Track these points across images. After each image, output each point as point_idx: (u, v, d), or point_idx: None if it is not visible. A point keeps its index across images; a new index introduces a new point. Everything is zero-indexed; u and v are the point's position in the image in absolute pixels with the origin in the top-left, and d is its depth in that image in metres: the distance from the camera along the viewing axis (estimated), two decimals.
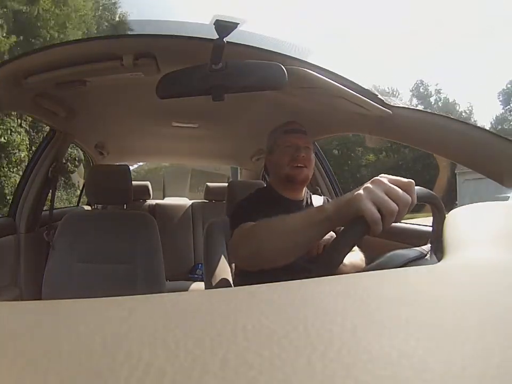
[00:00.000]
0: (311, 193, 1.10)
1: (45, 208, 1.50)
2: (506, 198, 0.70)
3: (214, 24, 0.67)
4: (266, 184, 1.11)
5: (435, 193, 0.56)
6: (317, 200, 1.05)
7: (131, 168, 1.49)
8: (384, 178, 0.50)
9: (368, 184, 0.50)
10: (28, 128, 6.72)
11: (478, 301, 0.18)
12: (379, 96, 0.87)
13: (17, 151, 6.32)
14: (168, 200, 2.72)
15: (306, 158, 0.96)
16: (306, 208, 1.01)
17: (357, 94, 0.85)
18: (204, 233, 1.27)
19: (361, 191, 0.49)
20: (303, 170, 0.96)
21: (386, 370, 0.12)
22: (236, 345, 0.13)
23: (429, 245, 0.55)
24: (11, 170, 6.27)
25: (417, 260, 0.52)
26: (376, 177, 0.51)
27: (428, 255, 0.53)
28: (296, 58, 0.85)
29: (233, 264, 1.07)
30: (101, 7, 9.88)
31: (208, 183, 2.37)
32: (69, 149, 2.81)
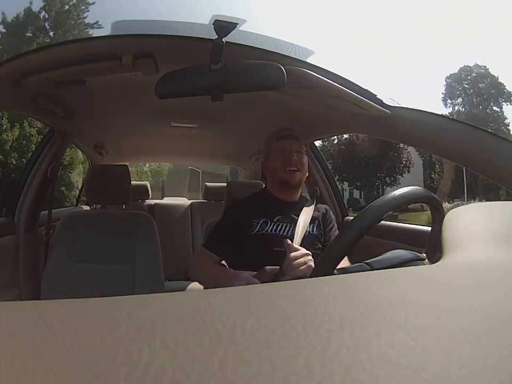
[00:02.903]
0: (309, 196, 1.13)
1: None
2: None
3: (213, 24, 0.67)
4: (264, 187, 1.14)
5: (433, 193, 0.56)
6: (310, 203, 1.07)
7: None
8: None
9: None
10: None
11: (476, 300, 0.18)
12: (377, 96, 0.87)
13: None
14: (167, 200, 2.72)
15: (299, 161, 1.03)
16: (301, 209, 1.02)
17: (356, 94, 0.85)
18: (203, 232, 1.27)
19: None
20: (297, 174, 1.02)
21: (384, 369, 0.12)
22: (235, 344, 0.14)
23: (425, 254, 0.55)
24: None
25: (414, 261, 0.52)
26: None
27: (426, 260, 0.54)
28: (295, 58, 0.85)
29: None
30: None
31: (207, 183, 2.37)
32: None
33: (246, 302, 0.18)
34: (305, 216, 1.00)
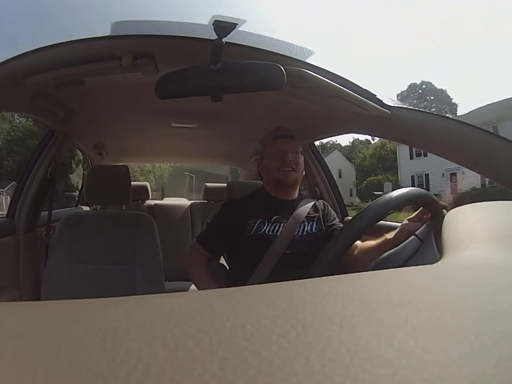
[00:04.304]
0: (308, 196, 1.12)
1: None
2: None
3: (213, 24, 0.67)
4: (261, 187, 1.13)
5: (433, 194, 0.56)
6: (307, 202, 1.06)
7: None
8: None
9: None
10: None
11: (476, 300, 0.18)
12: (377, 96, 0.87)
13: None
14: (167, 201, 2.72)
15: (294, 161, 1.01)
16: (298, 207, 1.02)
17: (356, 94, 0.85)
18: None
19: None
20: (292, 174, 1.01)
21: (384, 369, 0.12)
22: (235, 344, 0.14)
23: (413, 236, 0.55)
24: None
25: (414, 255, 0.52)
26: None
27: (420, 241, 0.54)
28: (295, 58, 0.85)
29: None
30: None
31: (207, 183, 2.37)
32: None
33: (246, 302, 0.18)
34: (303, 212, 1.00)
